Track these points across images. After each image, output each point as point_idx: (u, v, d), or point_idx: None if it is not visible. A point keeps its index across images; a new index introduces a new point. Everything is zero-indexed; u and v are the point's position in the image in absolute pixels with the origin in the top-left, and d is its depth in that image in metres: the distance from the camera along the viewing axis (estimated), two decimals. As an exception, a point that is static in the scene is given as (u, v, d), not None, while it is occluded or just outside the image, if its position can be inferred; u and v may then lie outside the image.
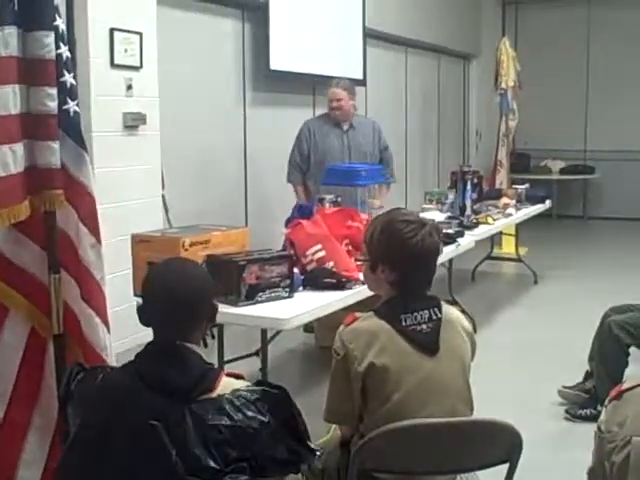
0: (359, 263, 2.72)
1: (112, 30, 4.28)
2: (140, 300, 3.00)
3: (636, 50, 10.67)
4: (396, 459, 2.06)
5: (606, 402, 1.52)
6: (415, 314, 2.17)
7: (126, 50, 4.39)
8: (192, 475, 1.69)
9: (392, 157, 5.50)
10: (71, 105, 2.20)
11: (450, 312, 2.28)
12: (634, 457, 1.37)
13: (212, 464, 1.70)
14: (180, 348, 1.84)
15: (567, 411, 4.06)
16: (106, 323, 2.25)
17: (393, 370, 2.13)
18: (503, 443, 2.10)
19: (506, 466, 2.13)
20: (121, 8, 4.36)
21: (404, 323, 2.16)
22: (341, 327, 2.21)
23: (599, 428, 1.49)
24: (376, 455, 2.05)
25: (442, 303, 2.26)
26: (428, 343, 2.17)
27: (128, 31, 4.39)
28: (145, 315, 1.90)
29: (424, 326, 2.17)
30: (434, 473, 2.14)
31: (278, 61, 6.05)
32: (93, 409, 1.82)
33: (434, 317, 2.19)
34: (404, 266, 2.20)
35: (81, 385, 1.90)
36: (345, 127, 5.23)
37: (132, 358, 1.88)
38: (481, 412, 2.24)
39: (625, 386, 1.49)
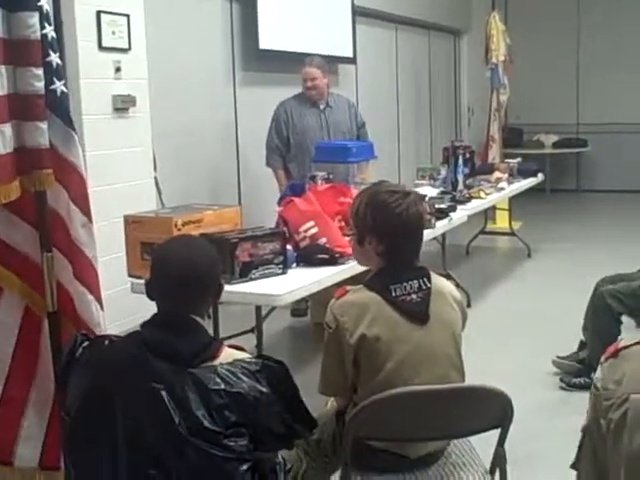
0: (347, 238, 2.74)
1: (99, 12, 4.26)
2: (134, 279, 3.07)
3: (626, 22, 10.65)
4: (389, 426, 2.10)
5: (602, 360, 1.52)
6: (404, 284, 2.19)
7: (114, 32, 4.38)
8: (194, 436, 1.75)
9: (367, 134, 5.47)
10: (58, 85, 2.21)
11: (440, 282, 2.30)
12: (632, 414, 1.39)
13: (212, 426, 1.76)
14: (186, 319, 1.89)
15: (562, 379, 4.11)
16: (99, 300, 2.27)
17: (384, 340, 2.15)
18: (494, 409, 2.13)
19: (498, 431, 2.18)
20: (107, -10, 4.35)
21: (394, 293, 2.18)
22: (332, 301, 2.24)
23: (595, 386, 1.50)
24: (369, 423, 2.08)
25: (431, 273, 2.28)
26: (418, 313, 2.19)
27: (115, 13, 4.38)
28: (153, 288, 1.94)
29: (414, 296, 2.19)
30: (427, 439, 2.17)
31: (267, 40, 6.03)
32: (100, 374, 1.87)
33: (423, 287, 2.21)
34: (391, 236, 2.22)
35: (87, 351, 1.94)
36: (322, 106, 5.19)
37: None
38: (477, 381, 2.23)
39: (622, 344, 1.49)
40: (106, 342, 1.95)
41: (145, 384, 1.78)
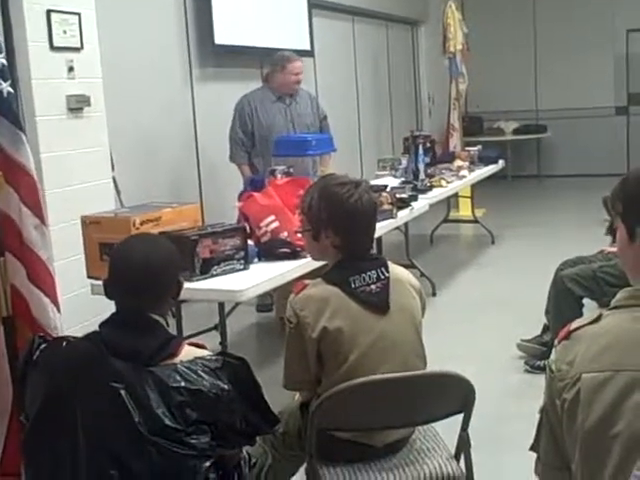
0: (300, 235, 2.74)
1: (49, 12, 4.19)
2: (94, 280, 3.03)
3: (581, 9, 10.77)
4: (352, 416, 2.10)
5: (556, 342, 1.54)
6: (363, 275, 2.20)
7: (65, 31, 4.30)
8: (155, 435, 1.74)
9: (329, 126, 5.46)
10: (4, 86, 2.17)
11: (397, 271, 2.31)
12: (584, 393, 1.41)
13: (173, 424, 1.75)
14: (145, 318, 1.88)
15: (526, 363, 4.16)
16: (55, 302, 2.24)
17: (346, 332, 2.15)
18: (456, 394, 2.15)
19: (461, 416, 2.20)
20: (57, -12, 4.28)
21: (353, 285, 2.19)
22: (291, 296, 2.24)
23: (549, 368, 1.52)
24: (332, 414, 2.08)
25: (388, 262, 2.29)
26: (378, 302, 2.20)
27: (66, 12, 4.30)
28: (111, 288, 1.93)
29: (373, 286, 2.20)
30: (390, 427, 2.18)
31: (223, 35, 5.98)
32: (58, 376, 1.85)
33: (382, 277, 2.22)
34: (347, 226, 2.23)
35: (45, 353, 1.92)
36: (287, 100, 5.17)
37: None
38: (444, 368, 2.24)
39: (573, 326, 1.51)
40: (64, 343, 1.92)
41: (104, 384, 1.77)
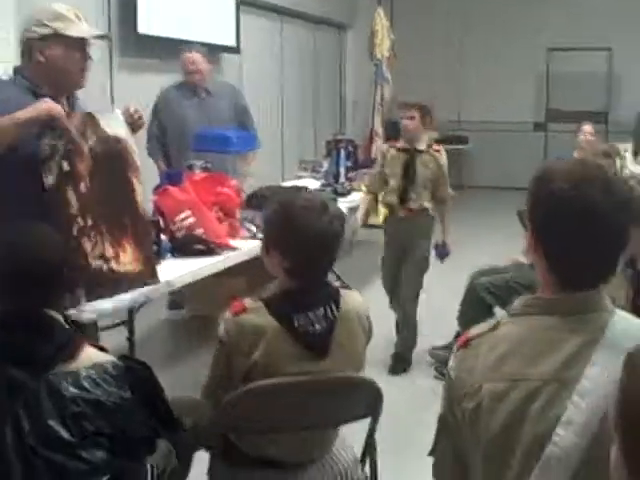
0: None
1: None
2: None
3: (508, 26, 11.00)
4: (257, 418, 2.05)
5: (454, 349, 1.51)
6: (309, 313, 2.02)
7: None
8: (45, 447, 1.63)
9: (252, 121, 5.25)
10: None
11: (347, 306, 2.10)
12: (486, 402, 1.40)
13: (66, 436, 1.65)
14: (39, 315, 1.76)
15: (436, 369, 4.19)
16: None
17: (276, 372, 2.01)
18: (363, 398, 2.12)
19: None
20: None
21: (296, 324, 2.00)
22: (227, 314, 2.05)
23: (448, 374, 1.50)
24: (237, 416, 2.02)
25: (342, 294, 2.11)
26: (318, 344, 2.03)
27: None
28: None
29: (317, 326, 2.02)
30: (295, 429, 2.08)
31: (146, 25, 5.85)
32: None
33: (329, 315, 2.04)
34: (297, 254, 2.02)
35: None
36: (202, 95, 4.99)
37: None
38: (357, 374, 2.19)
39: (471, 333, 1.49)
40: None
41: None
